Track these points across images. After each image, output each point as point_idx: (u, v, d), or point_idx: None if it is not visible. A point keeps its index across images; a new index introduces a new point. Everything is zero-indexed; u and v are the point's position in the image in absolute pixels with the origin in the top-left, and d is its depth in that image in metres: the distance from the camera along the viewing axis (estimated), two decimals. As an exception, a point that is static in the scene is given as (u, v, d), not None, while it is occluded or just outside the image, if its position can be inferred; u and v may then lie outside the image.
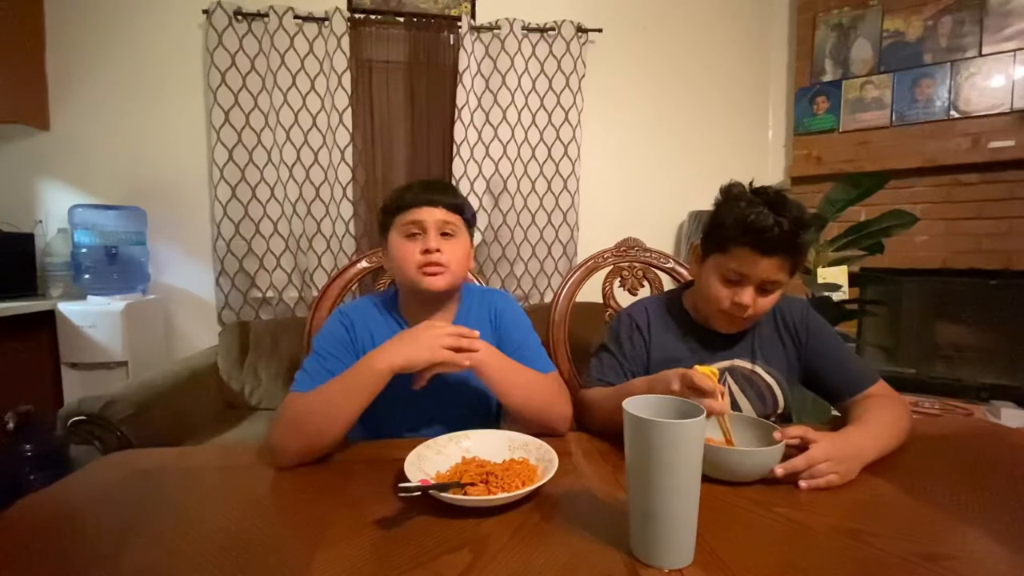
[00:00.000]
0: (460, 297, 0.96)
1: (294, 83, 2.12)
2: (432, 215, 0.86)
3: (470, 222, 0.93)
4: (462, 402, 0.92)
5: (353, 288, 1.24)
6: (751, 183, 0.85)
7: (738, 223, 0.79)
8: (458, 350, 0.77)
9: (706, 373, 0.68)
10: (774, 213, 0.77)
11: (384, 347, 0.77)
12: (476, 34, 2.23)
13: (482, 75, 2.26)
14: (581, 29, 2.29)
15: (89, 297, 1.92)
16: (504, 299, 1.00)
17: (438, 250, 0.84)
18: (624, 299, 1.19)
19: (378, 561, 0.50)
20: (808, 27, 2.46)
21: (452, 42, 2.25)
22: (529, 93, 2.28)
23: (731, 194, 0.84)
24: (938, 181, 2.17)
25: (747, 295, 0.81)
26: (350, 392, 0.75)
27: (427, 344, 0.75)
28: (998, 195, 2.07)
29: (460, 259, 0.89)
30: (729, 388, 0.91)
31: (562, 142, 2.32)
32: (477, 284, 1.15)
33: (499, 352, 0.83)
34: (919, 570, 0.48)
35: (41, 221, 2.08)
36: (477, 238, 2.27)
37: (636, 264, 1.27)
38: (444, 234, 0.87)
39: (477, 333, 0.79)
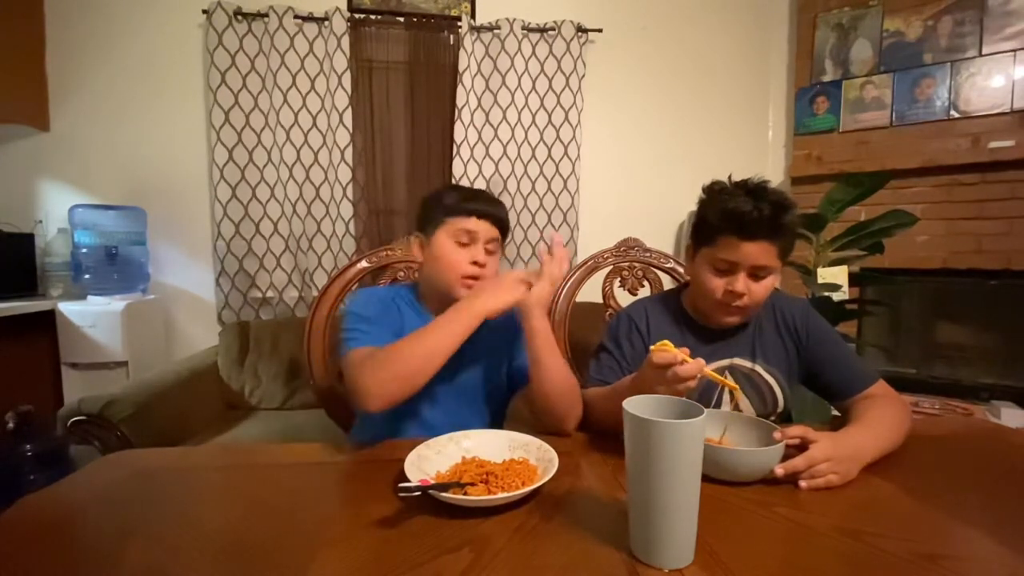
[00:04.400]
0: None
1: (294, 83, 2.12)
2: (486, 229, 0.90)
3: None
4: (475, 398, 0.93)
5: (353, 288, 1.24)
6: (730, 177, 0.87)
7: (721, 213, 0.82)
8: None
9: (657, 348, 0.67)
10: (753, 199, 0.80)
11: (474, 295, 0.82)
12: (476, 34, 2.23)
13: (482, 75, 2.26)
14: (581, 29, 2.29)
15: (89, 297, 1.92)
16: None
17: (484, 266, 0.88)
18: (624, 299, 1.19)
19: (378, 561, 0.50)
20: (808, 27, 2.46)
21: (452, 42, 2.25)
22: (529, 93, 2.28)
23: (713, 190, 0.87)
24: (938, 181, 2.17)
25: (739, 282, 0.83)
26: (448, 334, 0.78)
27: (508, 287, 0.82)
28: (998, 195, 2.07)
29: (494, 275, 0.91)
30: (729, 387, 0.91)
31: (562, 142, 2.32)
32: None
33: (551, 330, 0.86)
34: (919, 570, 0.48)
35: (41, 221, 2.08)
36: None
37: (636, 264, 1.27)
38: (487, 250, 0.91)
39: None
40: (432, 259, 0.91)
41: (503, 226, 0.93)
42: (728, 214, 0.81)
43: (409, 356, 0.77)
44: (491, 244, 0.91)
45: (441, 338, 0.78)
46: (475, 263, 0.88)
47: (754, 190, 0.82)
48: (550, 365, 0.83)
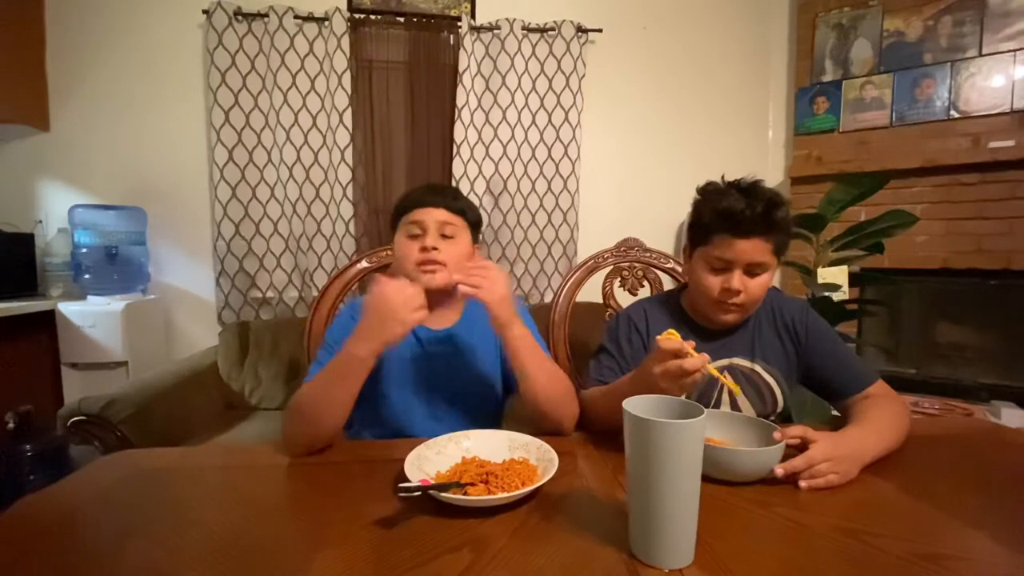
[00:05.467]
0: (466, 299, 0.97)
1: (294, 83, 2.12)
2: (432, 216, 0.89)
3: (474, 225, 0.95)
4: (468, 402, 0.93)
5: (353, 288, 1.24)
6: (723, 177, 0.89)
7: (714, 212, 0.84)
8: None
9: (664, 337, 0.68)
10: (746, 197, 0.81)
11: (360, 331, 0.77)
12: (476, 34, 2.23)
13: (482, 75, 2.25)
14: (581, 29, 2.29)
15: (89, 297, 1.92)
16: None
17: (435, 248, 0.87)
18: (624, 299, 1.19)
19: (378, 561, 0.50)
20: (808, 27, 2.46)
21: (452, 42, 2.25)
22: (529, 93, 2.28)
23: (707, 190, 0.89)
24: (938, 181, 2.17)
25: (735, 279, 0.84)
26: (336, 381, 0.77)
27: (397, 319, 0.75)
28: (998, 195, 2.07)
29: (458, 258, 0.90)
30: (728, 387, 0.91)
31: (562, 142, 2.32)
32: None
33: (531, 333, 0.85)
34: (919, 570, 0.49)
35: (41, 221, 2.08)
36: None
37: (636, 264, 1.27)
38: (444, 235, 0.90)
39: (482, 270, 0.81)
40: (394, 260, 0.95)
41: (455, 210, 0.91)
42: (721, 212, 0.83)
43: (310, 410, 0.76)
44: (447, 228, 0.90)
45: (332, 388, 0.76)
46: (423, 248, 0.87)
47: (746, 189, 0.84)
48: (536, 375, 0.82)
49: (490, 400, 0.95)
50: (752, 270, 0.84)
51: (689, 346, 0.67)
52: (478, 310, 0.95)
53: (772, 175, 2.59)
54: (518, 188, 2.31)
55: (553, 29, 2.28)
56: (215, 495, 0.67)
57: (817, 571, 0.49)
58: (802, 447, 0.67)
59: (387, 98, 2.28)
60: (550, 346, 1.19)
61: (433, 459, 0.69)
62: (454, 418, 0.89)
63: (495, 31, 2.24)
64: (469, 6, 2.31)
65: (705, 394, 0.91)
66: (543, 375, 0.83)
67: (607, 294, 1.27)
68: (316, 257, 2.20)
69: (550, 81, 2.30)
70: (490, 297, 0.79)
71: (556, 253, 2.37)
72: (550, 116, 2.31)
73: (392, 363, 0.89)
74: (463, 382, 0.92)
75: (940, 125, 2.18)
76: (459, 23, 2.20)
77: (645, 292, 1.24)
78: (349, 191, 2.19)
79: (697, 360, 0.65)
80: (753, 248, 0.82)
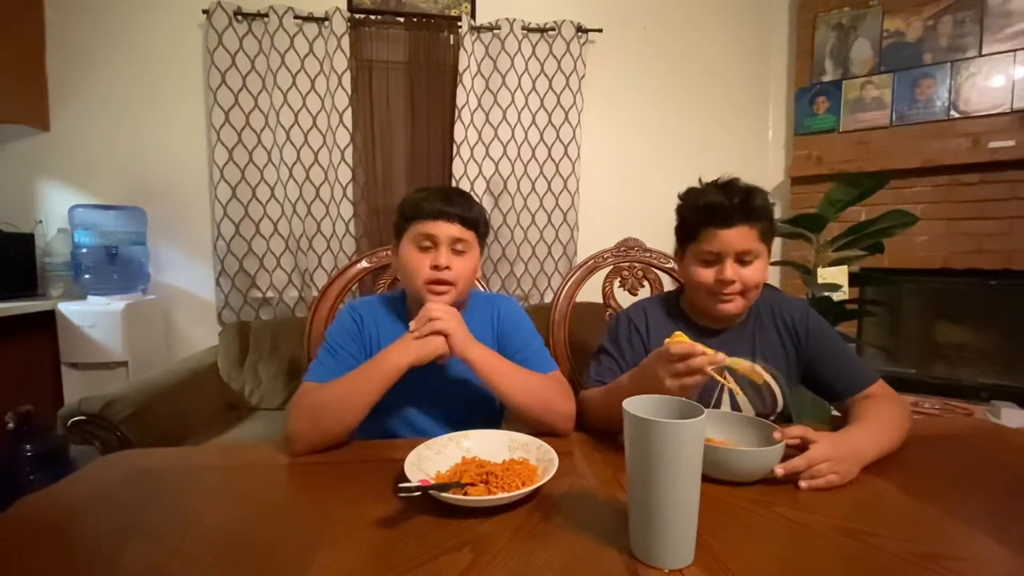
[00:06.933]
0: (465, 302, 0.97)
1: (294, 83, 2.12)
2: (447, 231, 0.86)
3: (483, 236, 0.94)
4: (465, 400, 0.92)
5: (353, 288, 1.25)
6: (700, 179, 0.92)
7: (696, 209, 0.88)
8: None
9: (673, 340, 0.68)
10: (724, 192, 0.85)
11: (398, 344, 0.81)
12: (476, 34, 2.23)
13: (482, 75, 2.26)
14: (581, 29, 2.29)
15: (89, 297, 1.92)
16: (508, 304, 1.02)
17: (447, 267, 0.86)
18: (624, 299, 1.19)
19: (378, 561, 0.50)
20: (808, 27, 2.46)
21: (452, 42, 2.25)
22: (529, 93, 2.28)
23: (687, 193, 0.92)
24: (938, 181, 2.17)
25: (728, 269, 0.85)
26: (368, 384, 0.79)
27: (434, 341, 0.81)
28: (998, 195, 2.07)
29: (468, 276, 0.90)
30: (728, 387, 0.91)
31: (562, 142, 2.32)
32: (483, 291, 1.15)
33: (494, 352, 0.85)
34: (919, 570, 0.48)
35: (41, 221, 2.08)
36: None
37: (636, 264, 1.27)
38: (455, 250, 0.88)
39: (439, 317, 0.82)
40: (400, 267, 0.91)
41: (470, 223, 0.89)
42: (703, 208, 0.86)
43: (329, 409, 0.78)
44: (459, 244, 0.87)
45: (360, 390, 0.79)
46: (436, 267, 0.85)
47: (724, 185, 0.87)
48: (508, 389, 0.82)
49: (489, 405, 0.95)
50: (743, 258, 0.86)
51: (698, 349, 0.67)
52: (475, 314, 0.96)
53: (772, 175, 2.59)
54: (518, 188, 2.31)
55: (553, 29, 2.28)
56: (215, 495, 0.67)
57: (817, 571, 0.49)
58: (802, 447, 0.67)
59: (387, 98, 2.28)
60: (550, 346, 1.19)
61: (433, 459, 0.69)
62: (453, 423, 0.89)
63: (495, 31, 2.24)
64: (469, 6, 2.31)
65: (705, 394, 0.91)
66: (515, 388, 0.83)
67: (607, 294, 1.27)
68: (316, 257, 2.20)
69: (550, 81, 2.30)
70: (447, 332, 0.81)
71: (556, 253, 2.37)
72: (550, 116, 2.31)
73: None
74: (461, 389, 0.92)
75: (940, 125, 2.19)
76: (459, 23, 2.20)
77: (645, 292, 1.24)
78: (349, 191, 2.19)
79: (703, 359, 0.66)
80: (739, 236, 0.84)
